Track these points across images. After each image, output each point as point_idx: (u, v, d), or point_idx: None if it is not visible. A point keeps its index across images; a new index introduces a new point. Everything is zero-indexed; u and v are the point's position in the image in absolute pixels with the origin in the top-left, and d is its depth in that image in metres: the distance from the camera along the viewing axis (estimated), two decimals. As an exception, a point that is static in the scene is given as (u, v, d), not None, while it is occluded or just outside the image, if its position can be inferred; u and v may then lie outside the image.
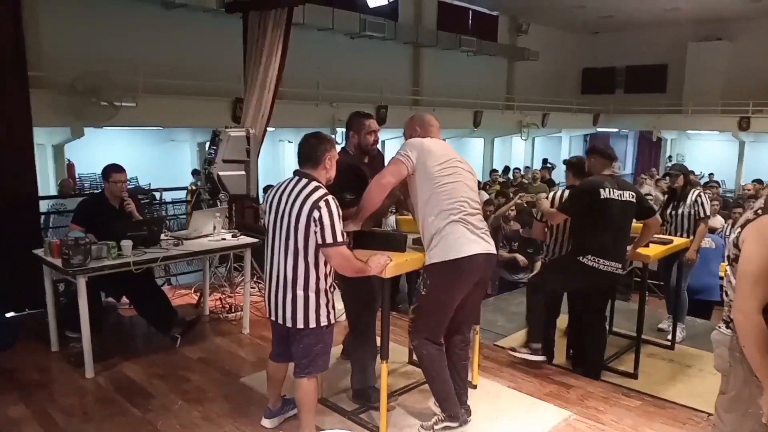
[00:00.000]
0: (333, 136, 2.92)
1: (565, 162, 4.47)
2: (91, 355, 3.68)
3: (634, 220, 3.98)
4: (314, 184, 2.68)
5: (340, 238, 2.61)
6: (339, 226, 2.62)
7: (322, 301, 2.72)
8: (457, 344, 3.16)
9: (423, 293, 2.95)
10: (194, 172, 12.52)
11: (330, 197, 2.64)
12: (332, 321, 2.79)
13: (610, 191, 3.76)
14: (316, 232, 2.61)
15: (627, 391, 3.70)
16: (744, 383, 1.94)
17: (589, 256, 3.74)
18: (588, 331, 4.10)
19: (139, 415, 3.25)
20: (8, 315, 4.44)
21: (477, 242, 2.88)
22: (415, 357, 3.43)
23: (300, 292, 2.69)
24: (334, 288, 2.84)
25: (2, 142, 4.50)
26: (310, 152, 2.74)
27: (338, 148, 2.96)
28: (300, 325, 2.71)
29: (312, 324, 2.72)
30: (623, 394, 3.64)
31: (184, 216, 6.94)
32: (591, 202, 3.75)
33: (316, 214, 2.59)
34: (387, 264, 2.77)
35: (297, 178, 2.74)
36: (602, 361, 4.13)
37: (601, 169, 3.93)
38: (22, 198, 4.68)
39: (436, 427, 3.04)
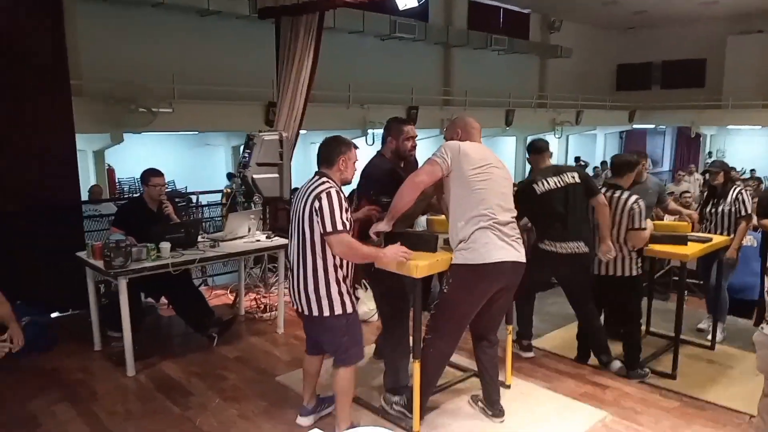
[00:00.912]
0: (352, 140, 2.99)
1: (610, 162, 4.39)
2: (132, 354, 3.80)
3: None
4: (323, 179, 2.80)
5: (340, 227, 2.69)
6: (339, 215, 2.69)
7: (334, 290, 2.79)
8: (484, 345, 3.20)
9: (445, 291, 2.97)
10: (229, 176, 12.73)
11: (333, 189, 2.74)
12: (348, 311, 2.84)
13: (544, 183, 3.88)
14: (318, 222, 2.71)
15: (665, 392, 3.63)
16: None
17: (546, 242, 3.86)
18: (580, 315, 4.16)
19: (179, 413, 3.34)
20: (53, 315, 4.61)
21: (505, 249, 2.88)
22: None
23: (311, 282, 2.79)
24: (358, 287, 2.88)
25: (47, 148, 4.67)
26: (325, 153, 2.90)
27: (372, 149, 3.02)
28: (315, 312, 2.81)
29: (326, 312, 2.79)
30: (661, 395, 3.58)
31: (220, 218, 7.07)
32: (530, 200, 3.86)
33: (316, 204, 2.71)
34: (403, 258, 2.82)
35: (312, 177, 2.88)
36: (599, 343, 4.10)
37: (539, 164, 4.05)
38: (65, 202, 4.86)
39: (395, 405, 3.15)
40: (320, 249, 2.76)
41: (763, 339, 1.98)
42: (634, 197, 3.90)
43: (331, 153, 2.87)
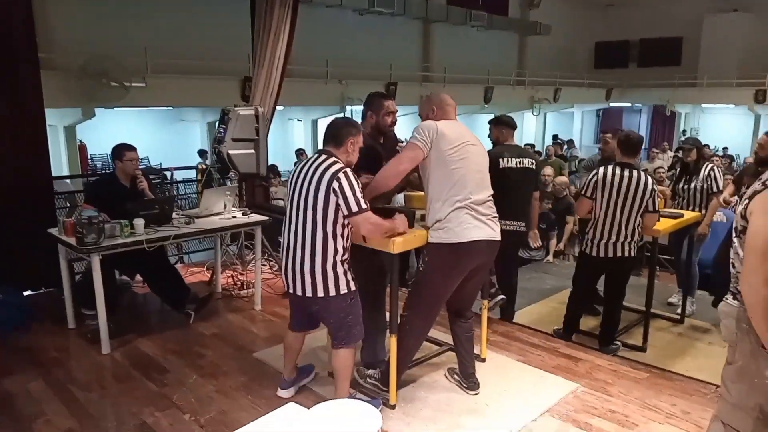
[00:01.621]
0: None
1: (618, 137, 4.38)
2: (107, 332, 3.76)
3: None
4: (333, 159, 2.75)
5: (364, 205, 2.68)
6: (360, 194, 2.69)
7: (340, 270, 2.79)
8: (459, 320, 3.25)
9: (421, 270, 2.99)
10: (201, 153, 12.58)
11: (348, 169, 2.73)
12: (352, 288, 2.85)
13: (508, 160, 4.05)
14: (339, 204, 2.68)
15: (635, 364, 3.72)
16: (751, 355, 1.94)
17: None
18: (506, 282, 4.34)
19: (155, 390, 3.33)
20: (25, 293, 4.53)
21: (480, 228, 2.90)
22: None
23: (318, 263, 2.75)
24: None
25: (15, 124, 4.54)
26: (334, 132, 2.84)
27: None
28: (320, 294, 2.79)
29: (332, 292, 2.79)
30: (631, 366, 3.66)
31: (195, 195, 6.99)
32: (491, 171, 3.85)
33: (335, 185, 2.66)
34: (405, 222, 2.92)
35: (317, 155, 2.83)
36: (513, 311, 4.53)
37: (506, 139, 4.20)
38: (36, 179, 4.74)
39: (369, 379, 3.20)
40: (332, 229, 2.73)
41: (727, 309, 2.03)
42: (651, 179, 3.91)
43: (341, 133, 2.81)
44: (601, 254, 3.98)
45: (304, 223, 2.76)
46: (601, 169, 4.00)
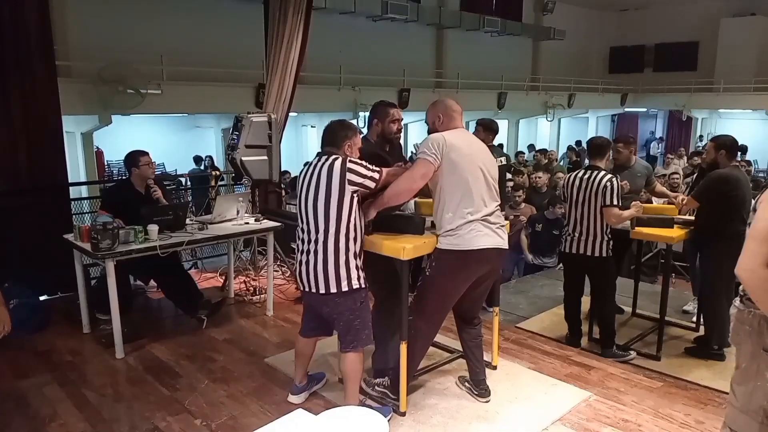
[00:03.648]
0: (356, 124, 3.00)
1: (587, 143, 4.50)
2: (121, 337, 3.80)
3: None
4: (334, 156, 2.82)
5: (377, 175, 2.81)
6: (367, 169, 2.80)
7: (352, 263, 2.83)
8: (468, 327, 3.25)
9: (427, 274, 2.99)
10: (196, 159, 12.72)
11: (348, 159, 2.81)
12: (362, 285, 2.87)
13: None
14: (357, 189, 2.76)
15: (649, 373, 3.69)
16: (752, 357, 1.94)
17: None
18: None
19: (168, 394, 3.35)
20: (42, 298, 4.60)
21: (489, 236, 2.91)
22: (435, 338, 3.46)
23: (331, 257, 2.79)
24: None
25: (32, 130, 4.62)
26: (330, 136, 2.91)
27: (364, 131, 3.04)
28: (333, 289, 2.81)
29: (344, 287, 2.81)
30: (645, 375, 3.63)
31: (192, 202, 7.01)
32: None
33: (350, 177, 2.74)
34: None
35: (319, 156, 2.88)
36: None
37: (489, 141, 4.44)
38: (53, 185, 4.82)
39: (377, 387, 3.20)
40: (345, 226, 2.77)
41: (733, 311, 2.03)
42: (608, 176, 4.02)
43: (337, 137, 2.88)
44: (571, 250, 4.17)
45: (315, 220, 2.80)
46: (570, 174, 4.31)
